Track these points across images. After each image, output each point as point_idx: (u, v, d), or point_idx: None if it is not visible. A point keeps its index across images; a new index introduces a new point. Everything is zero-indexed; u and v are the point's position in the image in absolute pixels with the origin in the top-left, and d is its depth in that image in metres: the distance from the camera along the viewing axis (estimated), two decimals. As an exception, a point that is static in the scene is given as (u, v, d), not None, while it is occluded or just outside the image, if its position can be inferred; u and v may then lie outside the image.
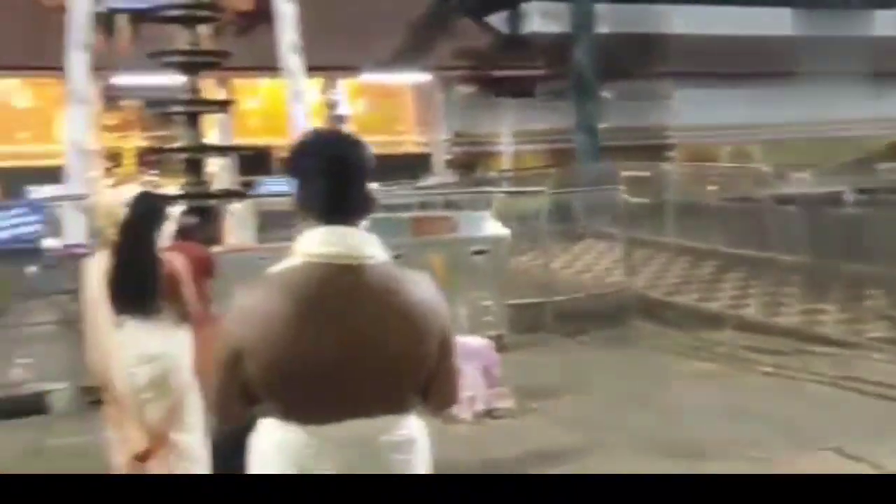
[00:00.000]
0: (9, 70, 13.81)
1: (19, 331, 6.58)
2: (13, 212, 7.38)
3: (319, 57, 14.08)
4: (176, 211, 4.36)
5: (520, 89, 17.35)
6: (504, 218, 9.08)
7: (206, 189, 8.45)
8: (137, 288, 3.78)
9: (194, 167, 8.48)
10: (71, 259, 6.48)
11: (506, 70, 16.57)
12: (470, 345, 5.88)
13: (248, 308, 1.96)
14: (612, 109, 17.47)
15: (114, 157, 15.46)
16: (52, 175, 10.83)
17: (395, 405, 1.98)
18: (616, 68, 16.91)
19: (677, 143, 18.31)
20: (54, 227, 7.89)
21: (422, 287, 2.02)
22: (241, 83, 15.93)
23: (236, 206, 9.40)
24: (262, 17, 11.96)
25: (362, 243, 1.99)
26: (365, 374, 1.93)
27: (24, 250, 6.91)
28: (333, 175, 1.98)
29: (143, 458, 3.76)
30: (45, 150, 13.76)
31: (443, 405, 2.12)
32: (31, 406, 6.20)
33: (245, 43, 14.32)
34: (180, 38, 8.21)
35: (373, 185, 2.04)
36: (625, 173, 11.29)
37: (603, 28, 17.73)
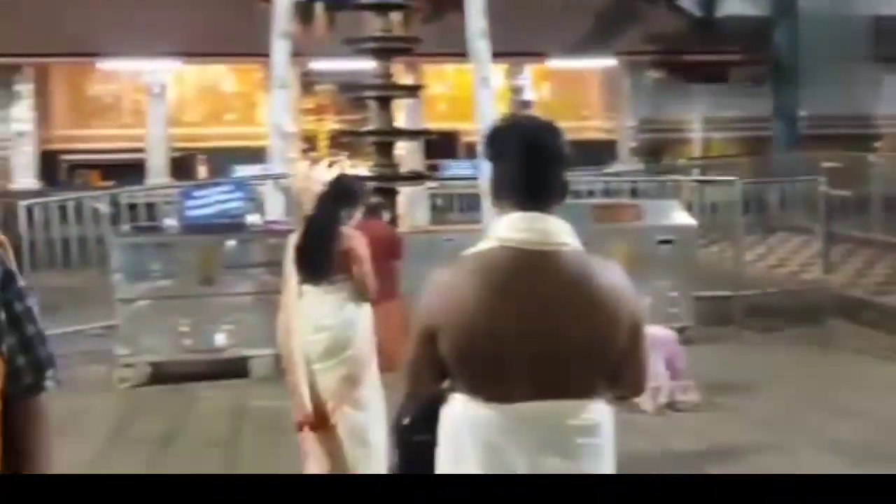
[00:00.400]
0: (219, 57, 14.53)
1: (225, 300, 6.87)
2: (220, 188, 7.63)
3: (505, 42, 13.79)
4: (367, 192, 4.51)
5: (712, 75, 16.63)
6: (693, 207, 8.89)
7: (395, 171, 8.63)
8: (317, 259, 3.93)
9: (385, 150, 8.84)
10: (271, 234, 6.78)
11: (698, 55, 15.86)
12: (654, 335, 5.50)
13: (445, 288, 2.02)
14: (813, 96, 16.42)
15: (310, 140, 15.88)
16: (255, 155, 11.36)
17: (584, 389, 1.99)
18: (819, 53, 15.98)
19: (885, 132, 17.19)
20: (257, 205, 8.16)
21: (613, 274, 2.03)
22: (429, 68, 15.87)
23: (413, 188, 9.53)
24: (452, 2, 11.97)
25: (556, 230, 2.02)
26: (555, 358, 1.96)
27: (230, 225, 7.18)
28: (530, 161, 2.00)
29: (312, 427, 3.84)
30: (249, 132, 14.33)
31: (630, 392, 2.13)
32: (234, 370, 6.67)
33: (435, 28, 14.40)
34: (373, 25, 8.58)
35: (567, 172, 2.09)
36: (825, 164, 10.78)
37: (804, 10, 16.81)
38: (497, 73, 15.69)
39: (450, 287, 2.02)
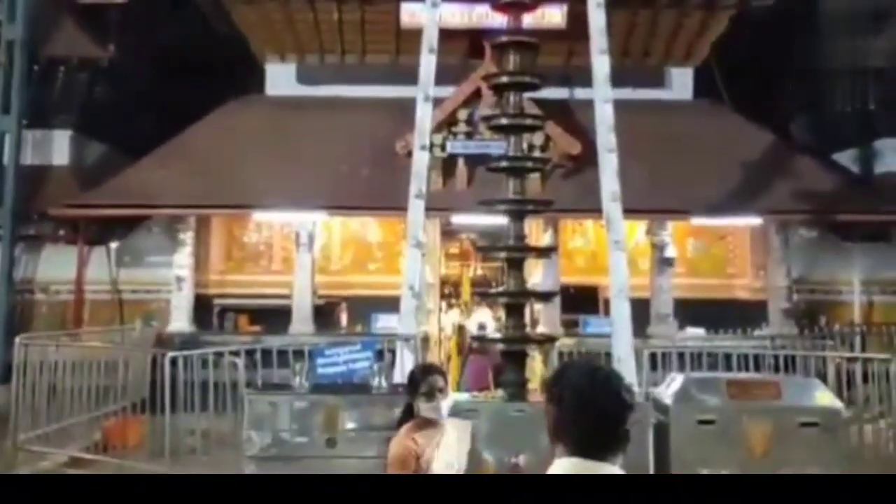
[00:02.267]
0: (360, 210, 15.11)
1: (347, 462, 6.87)
2: (350, 348, 7.81)
3: (647, 199, 13.97)
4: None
5: (872, 234, 15.97)
6: (841, 383, 8.40)
7: (524, 334, 8.59)
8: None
9: (516, 311, 8.82)
10: (396, 396, 6.77)
11: (855, 213, 14.99)
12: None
13: None
14: None
15: (454, 285, 16.75)
16: (395, 303, 11.24)
17: None
18: None
19: None
20: (383, 366, 8.25)
21: None
22: (569, 222, 15.95)
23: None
24: (589, 161, 11.81)
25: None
26: None
27: (356, 386, 7.35)
28: (590, 410, 1.99)
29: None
30: (390, 281, 14.86)
31: None
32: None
33: (573, 185, 14.80)
34: (509, 186, 8.68)
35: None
36: None
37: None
38: (637, 229, 16.13)
39: None
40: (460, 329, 13.25)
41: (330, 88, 15.97)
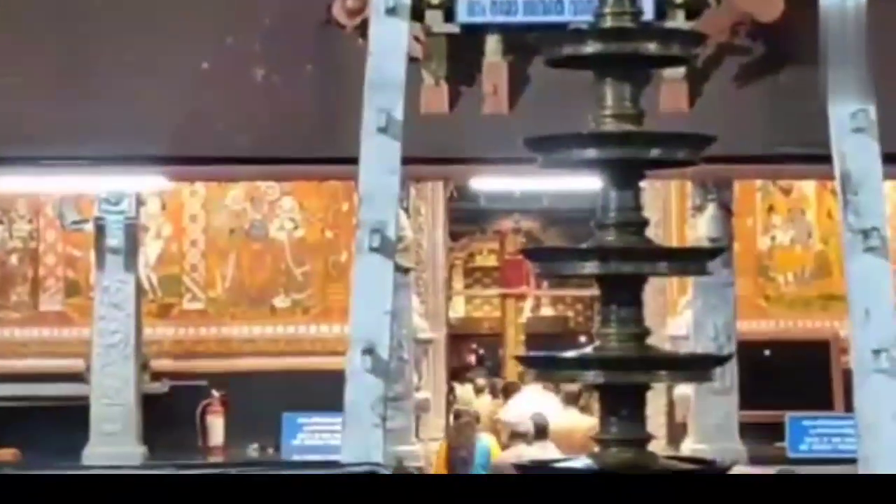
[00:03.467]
0: (264, 166, 11.17)
1: None
2: None
3: None
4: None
5: None
6: None
7: (645, 456, 8.53)
8: None
9: (625, 399, 9.53)
10: None
11: None
12: None
13: None
14: None
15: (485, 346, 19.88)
16: (339, 390, 10.61)
17: None
18: None
19: None
20: None
21: None
22: (753, 187, 14.47)
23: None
24: (798, 41, 10.36)
25: None
26: None
27: None
28: None
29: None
30: (328, 336, 14.34)
31: None
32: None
33: (760, 98, 12.63)
34: (606, 101, 6.82)
35: None
36: None
37: None
38: None
39: None
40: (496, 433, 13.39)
41: None
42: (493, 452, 13.84)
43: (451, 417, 14.60)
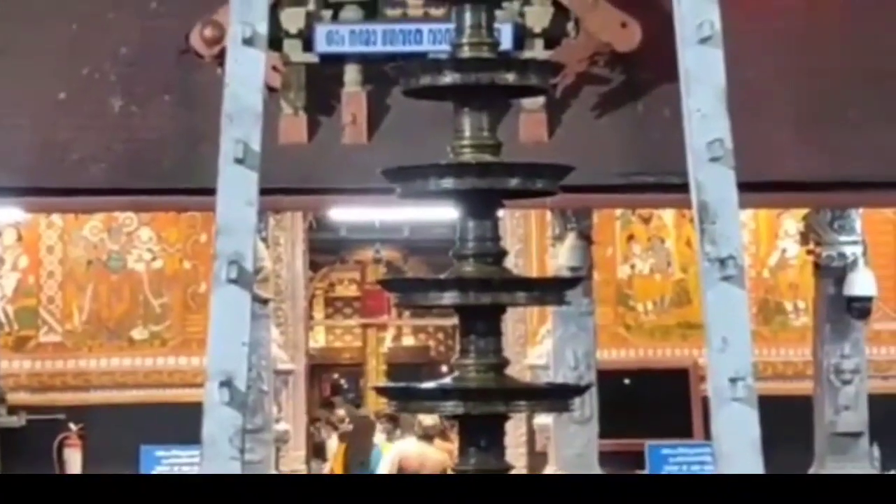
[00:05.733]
0: (122, 197, 12.03)
1: None
2: None
3: (798, 161, 12.01)
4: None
5: None
6: None
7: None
8: None
9: (483, 430, 9.97)
10: None
11: None
12: None
13: None
14: None
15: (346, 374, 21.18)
16: (197, 423, 10.33)
17: None
18: None
19: None
20: None
21: None
22: (612, 216, 14.63)
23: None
24: (655, 66, 10.51)
25: None
26: None
27: None
28: None
29: None
30: (187, 368, 14.42)
31: None
32: None
33: (619, 125, 12.82)
34: (463, 130, 7.12)
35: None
36: None
37: None
38: (783, 228, 13.29)
39: None
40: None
41: None
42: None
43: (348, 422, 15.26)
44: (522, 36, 9.49)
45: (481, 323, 6.00)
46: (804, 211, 11.75)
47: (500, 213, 6.40)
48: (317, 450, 15.48)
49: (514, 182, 5.79)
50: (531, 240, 13.89)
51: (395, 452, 12.76)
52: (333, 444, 15.65)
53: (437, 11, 9.03)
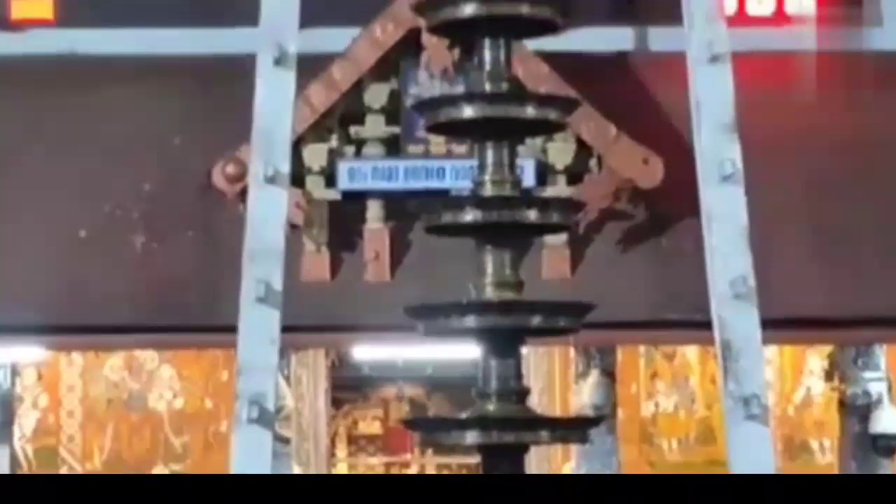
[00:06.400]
0: (144, 335, 12.16)
1: None
2: None
3: (827, 297, 11.57)
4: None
5: None
6: None
7: None
8: None
9: None
10: None
11: None
12: None
13: None
14: None
15: None
16: None
17: None
18: None
19: None
20: None
21: None
22: (636, 353, 14.36)
23: None
24: (679, 203, 10.22)
25: None
26: None
27: None
28: None
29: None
30: None
31: None
32: None
33: (642, 264, 12.36)
34: (486, 268, 7.14)
35: None
36: None
37: None
38: (807, 366, 12.98)
39: None
40: None
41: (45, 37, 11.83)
42: None
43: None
44: (545, 172, 9.14)
45: (504, 462, 5.95)
46: (829, 348, 11.40)
47: (524, 349, 6.26)
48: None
49: (536, 320, 5.70)
50: (554, 376, 13.66)
51: None
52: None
53: (460, 148, 8.98)
